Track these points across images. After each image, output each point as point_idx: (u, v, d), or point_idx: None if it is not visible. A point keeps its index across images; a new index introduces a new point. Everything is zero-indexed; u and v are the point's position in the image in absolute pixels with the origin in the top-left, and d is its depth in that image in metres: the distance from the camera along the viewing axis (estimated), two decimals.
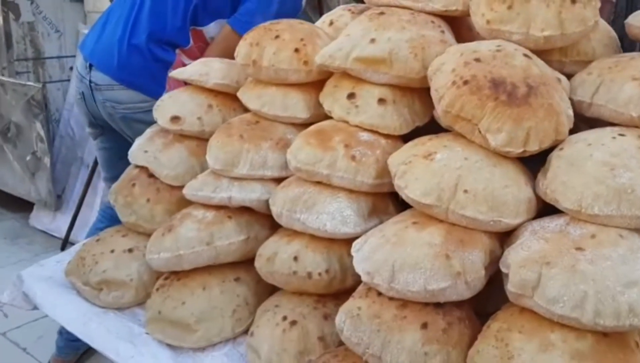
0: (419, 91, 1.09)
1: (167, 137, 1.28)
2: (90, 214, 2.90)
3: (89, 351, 2.01)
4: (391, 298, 0.88)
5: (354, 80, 1.08)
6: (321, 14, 2.31)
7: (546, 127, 0.90)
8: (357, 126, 1.06)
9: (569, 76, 1.04)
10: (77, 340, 1.94)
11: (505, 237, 0.93)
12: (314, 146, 1.02)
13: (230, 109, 1.30)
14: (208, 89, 1.29)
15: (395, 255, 0.86)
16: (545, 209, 0.93)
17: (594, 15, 1.00)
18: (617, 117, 0.94)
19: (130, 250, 1.21)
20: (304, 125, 1.16)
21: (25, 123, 3.21)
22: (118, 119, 1.78)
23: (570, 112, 0.95)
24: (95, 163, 3.33)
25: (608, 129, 0.92)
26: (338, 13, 1.36)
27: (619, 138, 0.88)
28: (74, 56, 3.62)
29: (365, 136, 1.05)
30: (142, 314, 1.17)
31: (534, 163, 0.96)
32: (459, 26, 1.19)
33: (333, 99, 1.10)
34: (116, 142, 1.89)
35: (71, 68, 3.61)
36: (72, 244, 2.41)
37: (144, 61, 1.72)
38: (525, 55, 0.95)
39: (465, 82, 0.92)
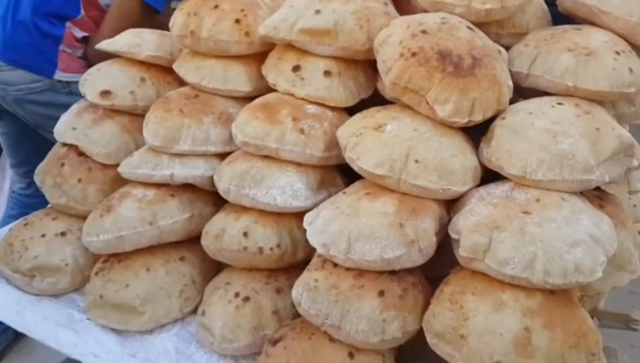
0: (362, 63, 1.09)
1: (97, 112, 1.20)
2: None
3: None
4: (347, 269, 0.88)
5: (299, 52, 1.06)
6: None
7: (489, 98, 0.93)
8: (303, 99, 1.04)
9: (506, 48, 1.07)
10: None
11: (450, 204, 0.96)
12: (261, 120, 1.00)
13: (164, 82, 1.24)
14: (140, 61, 1.22)
15: (350, 226, 0.86)
16: (487, 176, 0.96)
17: None
18: (553, 87, 0.98)
19: (62, 234, 1.13)
20: (246, 98, 1.13)
21: None
22: (11, 102, 1.65)
23: (510, 83, 0.98)
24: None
25: (546, 98, 0.96)
26: None
27: (557, 106, 0.92)
28: None
29: (312, 108, 1.03)
30: (80, 300, 1.10)
31: (472, 132, 0.99)
32: None
33: (277, 71, 1.07)
34: (15, 126, 1.77)
35: None
36: None
37: (30, 38, 1.58)
38: (469, 27, 0.98)
39: (414, 54, 0.92)
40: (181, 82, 1.20)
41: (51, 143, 1.76)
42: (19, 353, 1.91)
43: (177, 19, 1.12)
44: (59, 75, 1.64)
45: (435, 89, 0.92)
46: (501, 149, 0.90)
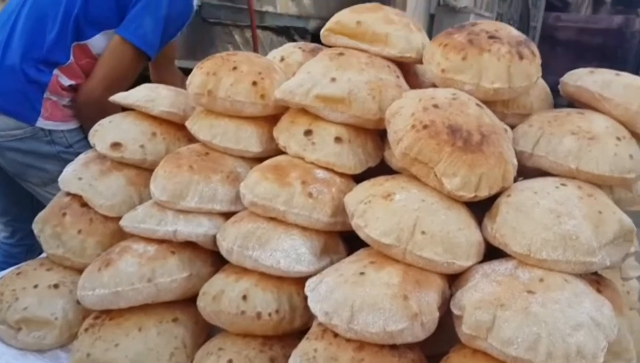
0: (371, 132, 1.12)
1: (104, 164, 1.21)
2: None
3: None
4: (348, 340, 0.86)
5: (311, 117, 1.09)
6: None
7: (496, 174, 0.95)
8: (312, 163, 1.06)
9: (510, 127, 1.11)
10: None
11: (451, 279, 0.96)
12: (271, 181, 1.01)
13: (175, 138, 1.25)
14: (152, 116, 1.24)
15: (354, 295, 0.86)
16: (488, 252, 0.97)
17: (537, 71, 1.08)
18: (556, 168, 1.01)
19: (55, 286, 1.10)
20: (255, 159, 1.15)
21: None
22: None
23: (515, 161, 1.01)
24: None
25: (550, 179, 0.98)
26: (289, 50, 1.37)
27: (561, 187, 0.94)
28: None
29: (321, 173, 1.04)
30: (65, 357, 1.07)
31: (472, 208, 1.00)
32: (407, 72, 1.24)
33: (289, 134, 1.09)
34: None
35: None
36: None
37: (17, 84, 1.58)
38: (478, 105, 1.01)
39: (425, 127, 0.95)
40: (191, 139, 1.22)
41: (30, 193, 1.75)
42: None
43: (195, 78, 1.15)
44: (41, 123, 1.62)
45: (444, 162, 0.94)
46: (506, 226, 0.91)
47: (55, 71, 1.61)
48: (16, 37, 1.59)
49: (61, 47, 1.59)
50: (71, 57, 1.61)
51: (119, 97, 1.26)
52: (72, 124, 1.68)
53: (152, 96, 1.24)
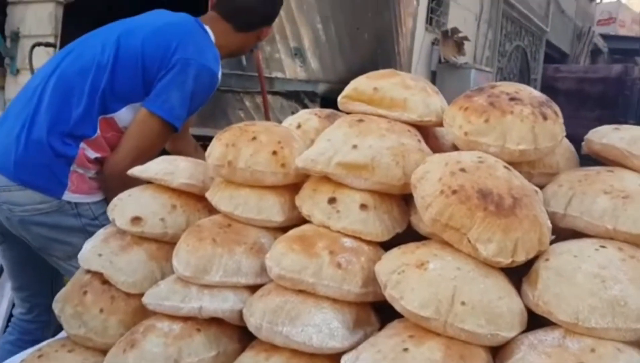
0: (396, 197, 1.09)
1: (124, 239, 1.18)
2: None
3: None
4: None
5: (333, 184, 1.07)
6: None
7: (532, 238, 0.92)
8: (339, 232, 1.03)
9: (537, 187, 1.08)
10: None
11: (494, 351, 0.91)
12: (298, 253, 0.98)
13: (195, 210, 1.23)
14: (171, 188, 1.22)
15: None
16: (530, 320, 0.92)
17: (562, 131, 1.07)
18: (592, 229, 0.98)
19: None
20: (277, 229, 1.13)
21: None
22: (16, 223, 1.61)
23: (549, 223, 0.98)
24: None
25: (588, 240, 0.95)
26: (304, 117, 1.37)
27: (601, 249, 0.91)
28: None
29: (348, 242, 1.02)
30: None
31: (509, 273, 0.97)
32: (426, 135, 1.23)
33: (312, 202, 1.07)
34: (17, 250, 1.71)
35: None
36: None
37: (44, 158, 1.58)
38: (505, 167, 0.99)
39: (454, 192, 0.93)
40: (211, 209, 1.20)
41: (53, 268, 1.72)
42: None
43: (214, 149, 1.14)
44: (67, 196, 1.61)
45: (477, 227, 0.91)
46: (549, 293, 0.87)
47: (82, 144, 1.61)
48: (42, 112, 1.60)
49: (88, 121, 1.60)
50: (98, 131, 1.62)
51: (138, 171, 1.25)
52: (98, 196, 1.67)
53: (170, 168, 1.23)
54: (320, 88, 2.43)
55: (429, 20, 6.67)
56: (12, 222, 1.62)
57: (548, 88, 9.10)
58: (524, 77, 9.43)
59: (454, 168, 0.96)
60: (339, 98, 1.20)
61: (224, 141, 1.14)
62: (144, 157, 1.50)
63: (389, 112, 1.14)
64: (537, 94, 1.11)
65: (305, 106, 2.40)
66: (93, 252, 1.17)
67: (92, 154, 1.63)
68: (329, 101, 2.49)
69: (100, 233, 1.23)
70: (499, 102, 1.05)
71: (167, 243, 1.18)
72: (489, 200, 0.92)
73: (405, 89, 1.14)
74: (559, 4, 11.00)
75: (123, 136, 1.65)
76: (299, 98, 2.40)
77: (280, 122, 2.39)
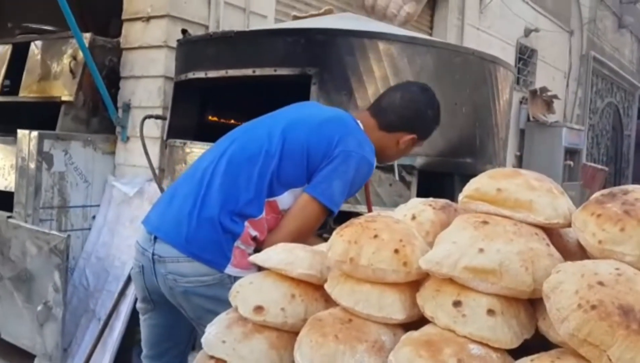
0: (523, 302, 1.07)
1: (246, 326, 1.23)
2: None
3: None
4: None
5: (458, 286, 1.07)
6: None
7: None
8: (465, 337, 1.02)
9: None
10: None
11: None
12: (425, 359, 0.97)
13: (313, 299, 1.26)
14: (291, 277, 1.27)
15: None
16: None
17: None
18: None
19: None
20: (397, 326, 1.13)
21: (42, 272, 3.12)
22: (178, 293, 1.73)
23: None
24: (109, 317, 3.21)
25: None
26: (419, 208, 1.38)
27: None
28: (98, 206, 3.66)
29: (475, 349, 1.00)
30: None
31: None
32: (550, 233, 1.20)
33: (436, 304, 1.07)
34: (167, 319, 1.83)
35: (94, 217, 3.63)
36: None
37: (213, 234, 1.71)
38: None
39: (593, 307, 0.90)
40: (327, 299, 1.22)
41: (188, 337, 1.82)
42: None
43: (336, 245, 1.18)
44: (229, 269, 1.73)
45: (618, 346, 0.87)
46: None
47: (246, 223, 1.75)
48: (214, 192, 1.75)
49: (256, 203, 1.75)
50: (263, 212, 1.77)
51: (259, 260, 1.30)
52: (253, 272, 1.78)
53: (290, 258, 1.27)
54: (418, 161, 2.44)
55: (517, 80, 6.60)
56: (174, 292, 1.74)
57: None
58: (617, 133, 9.04)
59: (591, 281, 0.94)
60: (460, 198, 1.20)
61: (346, 238, 1.17)
62: (302, 237, 1.67)
63: (513, 213, 1.13)
64: None
65: (402, 179, 2.41)
66: (217, 338, 1.22)
67: (253, 232, 1.77)
68: (426, 174, 2.50)
69: (224, 318, 1.28)
70: (635, 210, 1.02)
71: (286, 332, 1.21)
72: (631, 317, 0.88)
73: (531, 191, 1.13)
74: None
75: (284, 217, 1.79)
76: (396, 170, 2.42)
77: (379, 198, 2.43)
